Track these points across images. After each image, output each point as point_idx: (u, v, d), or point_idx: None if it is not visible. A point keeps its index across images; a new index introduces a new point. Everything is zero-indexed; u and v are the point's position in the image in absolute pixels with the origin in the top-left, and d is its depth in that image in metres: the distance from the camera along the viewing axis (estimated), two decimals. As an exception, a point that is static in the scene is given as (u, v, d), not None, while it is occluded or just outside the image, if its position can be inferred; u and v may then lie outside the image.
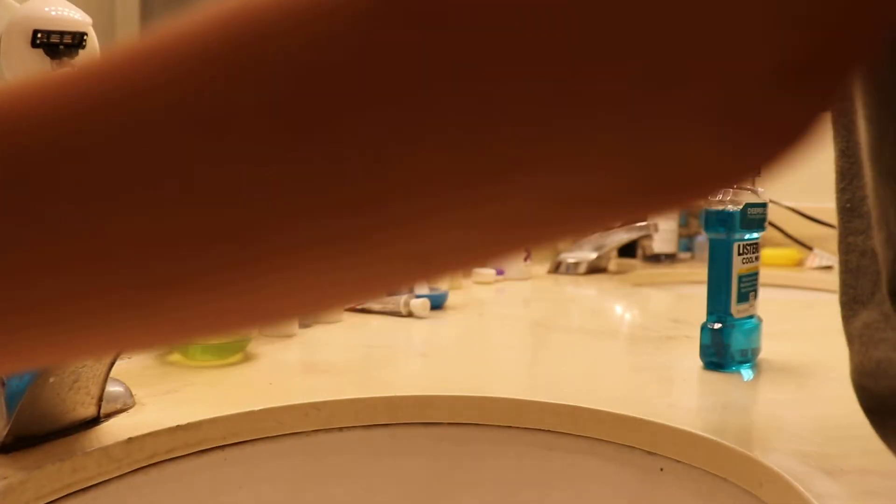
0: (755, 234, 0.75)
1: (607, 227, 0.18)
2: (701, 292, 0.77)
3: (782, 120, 0.16)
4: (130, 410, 0.59)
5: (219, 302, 0.18)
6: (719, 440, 0.56)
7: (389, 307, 1.03)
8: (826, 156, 0.32)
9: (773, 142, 0.16)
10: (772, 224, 1.58)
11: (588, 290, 1.38)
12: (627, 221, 0.19)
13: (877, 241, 0.34)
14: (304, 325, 0.91)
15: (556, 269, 1.52)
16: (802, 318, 1.11)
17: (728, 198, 0.74)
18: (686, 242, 1.82)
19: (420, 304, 1.02)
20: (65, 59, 0.58)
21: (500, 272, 1.40)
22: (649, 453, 0.60)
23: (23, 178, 0.16)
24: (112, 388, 0.58)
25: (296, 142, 0.16)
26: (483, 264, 0.21)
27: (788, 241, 1.68)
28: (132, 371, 0.71)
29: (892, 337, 0.35)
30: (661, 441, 0.59)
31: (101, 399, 0.55)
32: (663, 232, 1.66)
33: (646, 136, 0.16)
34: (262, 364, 0.75)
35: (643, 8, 0.14)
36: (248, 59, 0.16)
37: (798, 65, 0.15)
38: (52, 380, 0.52)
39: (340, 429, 0.64)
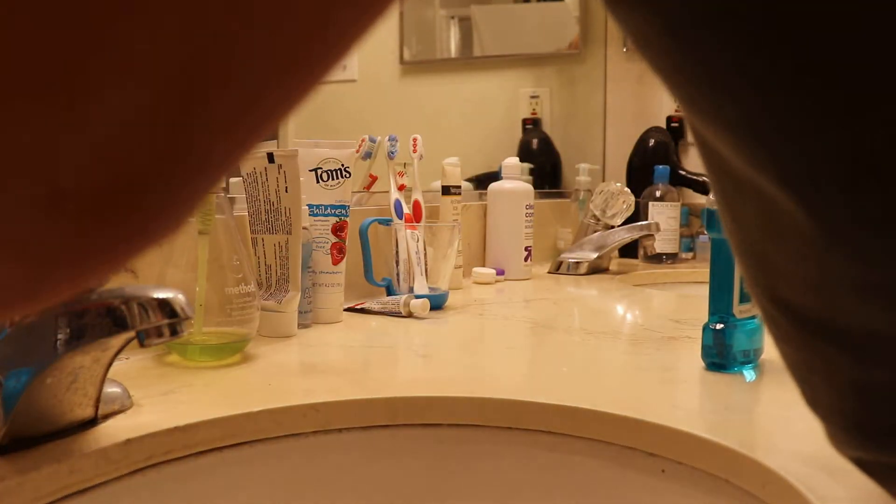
0: (757, 234, 0.75)
1: None
2: (703, 292, 0.77)
3: (59, 250, 0.17)
4: (128, 412, 0.59)
5: None
6: (721, 441, 0.56)
7: (389, 307, 1.03)
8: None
9: (55, 271, 0.17)
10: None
11: (589, 291, 1.37)
12: None
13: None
14: (303, 326, 0.91)
15: (557, 269, 1.51)
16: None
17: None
18: (688, 242, 1.82)
19: (420, 305, 1.01)
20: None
21: (500, 272, 1.39)
22: (651, 455, 0.60)
23: None
24: (110, 390, 0.57)
25: None
26: None
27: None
28: (130, 372, 0.71)
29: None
30: (663, 442, 0.59)
31: (98, 400, 0.55)
32: (665, 232, 1.66)
33: None
34: (261, 365, 0.75)
35: None
36: None
37: (60, 198, 0.16)
38: (49, 381, 0.51)
39: (339, 430, 0.64)
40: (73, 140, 0.15)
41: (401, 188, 1.14)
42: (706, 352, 0.75)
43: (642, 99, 2.00)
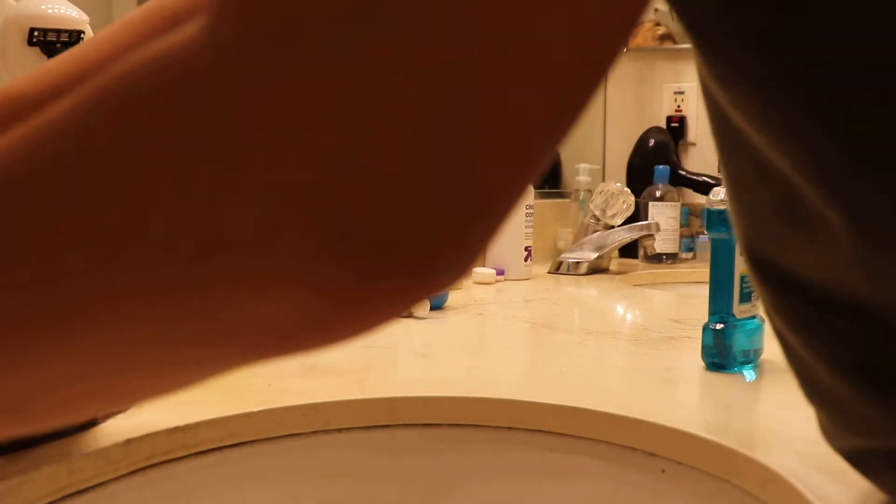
0: (757, 234, 0.75)
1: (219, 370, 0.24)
2: (703, 292, 0.77)
3: (354, 285, 0.19)
4: (128, 412, 0.59)
5: None
6: (721, 441, 0.56)
7: (390, 307, 1.03)
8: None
9: (356, 305, 0.19)
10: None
11: (589, 291, 1.37)
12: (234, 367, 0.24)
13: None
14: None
15: (557, 269, 1.51)
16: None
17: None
18: (688, 242, 1.82)
19: (420, 305, 1.01)
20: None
21: (500, 272, 1.39)
22: (651, 455, 0.60)
23: None
24: (109, 389, 0.57)
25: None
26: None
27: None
28: (130, 372, 0.71)
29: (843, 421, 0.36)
30: (663, 442, 0.59)
31: (98, 400, 0.55)
32: (665, 232, 1.66)
33: (242, 306, 0.19)
34: (261, 365, 0.75)
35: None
36: None
37: (346, 236, 0.18)
38: (48, 381, 0.51)
39: (340, 430, 0.64)
40: (353, 183, 0.17)
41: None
42: (706, 352, 0.75)
43: (642, 99, 2.00)
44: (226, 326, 0.20)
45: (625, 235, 1.55)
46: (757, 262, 0.35)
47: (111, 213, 0.18)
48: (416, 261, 0.18)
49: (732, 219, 0.36)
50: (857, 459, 0.37)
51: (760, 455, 0.53)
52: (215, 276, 0.18)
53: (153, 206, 0.18)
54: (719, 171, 0.36)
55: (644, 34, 1.98)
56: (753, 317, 0.75)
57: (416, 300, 0.20)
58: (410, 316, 1.01)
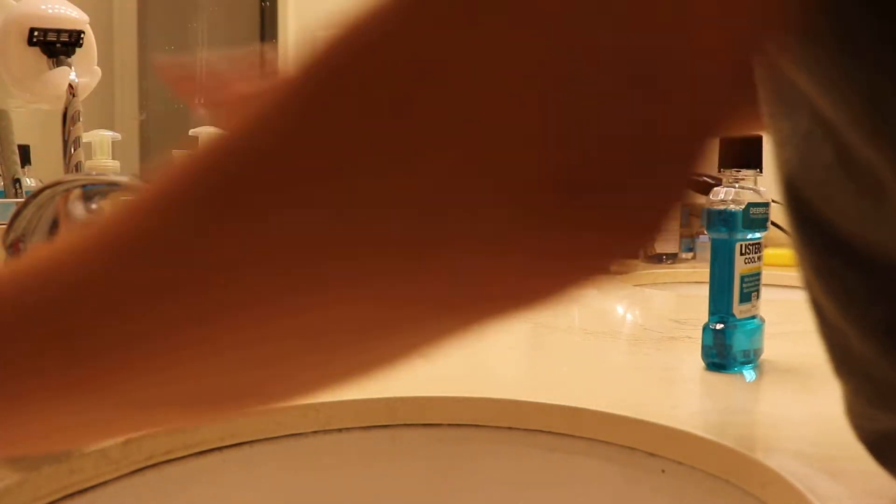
0: (758, 234, 0.75)
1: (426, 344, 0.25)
2: (703, 292, 0.77)
3: (566, 243, 0.19)
4: (128, 411, 0.59)
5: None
6: (721, 441, 0.56)
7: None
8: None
9: (566, 263, 0.20)
10: (774, 224, 1.57)
11: (589, 290, 1.37)
12: (444, 338, 0.24)
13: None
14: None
15: (558, 269, 1.51)
16: (805, 318, 1.09)
17: (730, 197, 0.74)
18: (688, 242, 1.82)
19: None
20: (62, 57, 0.57)
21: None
22: (650, 455, 0.60)
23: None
24: (109, 389, 0.57)
25: None
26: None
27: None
28: (130, 372, 0.71)
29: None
30: (663, 442, 0.59)
31: (98, 400, 0.55)
32: (665, 232, 1.66)
33: (450, 270, 0.20)
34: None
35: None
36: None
37: (562, 183, 0.18)
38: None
39: (339, 430, 0.64)
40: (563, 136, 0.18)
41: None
42: (706, 352, 0.75)
43: (642, 99, 1.99)
44: (453, 288, 0.21)
45: (625, 235, 1.55)
46: (799, 209, 0.34)
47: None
48: (603, 206, 0.19)
49: (776, 160, 0.35)
50: (881, 446, 0.36)
51: (760, 455, 0.53)
52: (443, 237, 0.20)
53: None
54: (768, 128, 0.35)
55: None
56: (753, 317, 0.75)
57: (611, 253, 0.20)
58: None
